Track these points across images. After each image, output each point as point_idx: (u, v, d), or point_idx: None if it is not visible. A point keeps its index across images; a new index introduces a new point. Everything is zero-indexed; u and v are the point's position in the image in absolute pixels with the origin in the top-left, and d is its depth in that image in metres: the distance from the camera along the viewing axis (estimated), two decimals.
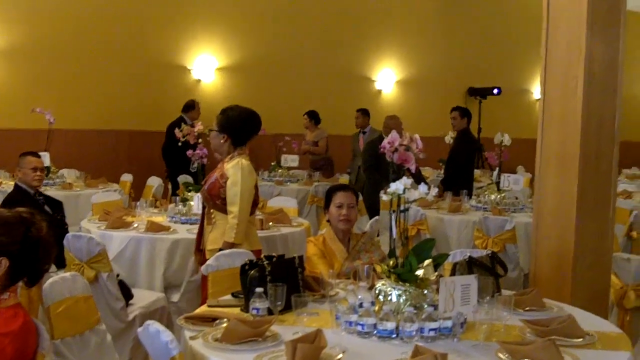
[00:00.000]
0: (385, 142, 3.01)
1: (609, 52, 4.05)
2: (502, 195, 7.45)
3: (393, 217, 3.07)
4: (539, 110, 4.21)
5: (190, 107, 9.98)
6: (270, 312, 3.09)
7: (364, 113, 10.19)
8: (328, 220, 4.53)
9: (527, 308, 3.43)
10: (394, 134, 3.00)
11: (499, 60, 14.42)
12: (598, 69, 4.00)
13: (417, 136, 3.07)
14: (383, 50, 13.43)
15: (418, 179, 8.76)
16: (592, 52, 3.97)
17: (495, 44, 14.45)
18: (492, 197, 7.47)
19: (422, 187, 3.09)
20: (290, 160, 9.83)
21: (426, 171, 11.04)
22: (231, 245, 4.41)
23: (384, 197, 3.00)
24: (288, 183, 9.59)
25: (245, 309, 3.21)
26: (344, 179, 10.16)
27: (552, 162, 4.17)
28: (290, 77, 12.31)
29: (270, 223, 5.80)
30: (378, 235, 6.26)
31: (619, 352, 2.91)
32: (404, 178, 2.94)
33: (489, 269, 3.72)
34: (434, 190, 3.12)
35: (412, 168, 3.05)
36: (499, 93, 13.77)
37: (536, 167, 4.31)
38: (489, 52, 14.34)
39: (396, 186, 2.91)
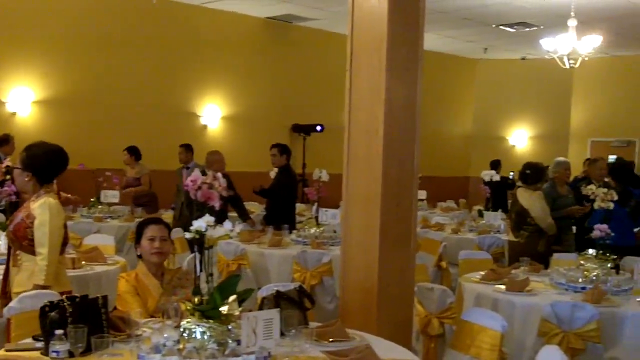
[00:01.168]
0: (188, 180, 3.05)
1: (408, 94, 4.31)
2: (321, 229, 7.68)
3: (197, 254, 3.10)
4: (344, 150, 4.40)
5: (4, 141, 9.53)
6: (71, 354, 3.02)
7: (187, 148, 10.15)
8: (139, 255, 4.46)
9: (331, 339, 3.55)
10: (196, 172, 3.05)
11: (321, 98, 14.80)
12: (397, 111, 4.24)
13: (219, 174, 3.13)
14: (208, 86, 13.48)
15: (242, 213, 8.88)
16: (392, 95, 4.20)
17: (317, 82, 14.84)
18: (312, 231, 7.68)
19: (227, 224, 3.15)
20: (111, 196, 9.60)
21: (252, 206, 11.14)
22: (42, 288, 4.24)
23: (187, 235, 3.03)
24: (108, 219, 9.34)
25: (45, 352, 3.11)
26: (168, 214, 10.04)
27: (357, 198, 4.36)
28: (112, 112, 12.04)
29: (83, 262, 5.64)
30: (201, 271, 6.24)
31: None
32: (207, 215, 2.98)
33: (296, 303, 3.82)
34: (239, 227, 3.19)
35: (217, 206, 3.10)
36: (322, 130, 14.16)
37: (343, 204, 4.49)
38: (311, 91, 14.71)
39: (199, 224, 2.95)
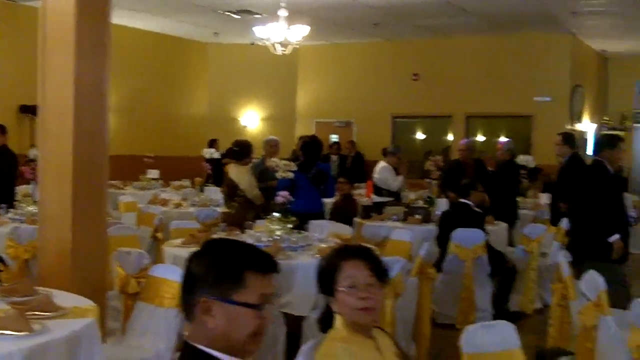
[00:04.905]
0: None
1: (96, 78, 4.80)
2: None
3: None
4: (38, 129, 4.81)
5: None
6: None
7: None
8: None
9: (21, 295, 4.00)
10: None
11: None
12: (86, 93, 4.72)
13: None
14: None
15: None
16: (81, 77, 4.67)
17: None
18: (29, 208, 7.87)
19: None
20: None
21: None
22: None
23: None
24: None
25: None
26: None
27: (52, 173, 4.76)
28: None
29: None
30: None
31: (84, 319, 3.65)
32: None
33: None
34: None
35: None
36: None
37: (39, 178, 4.89)
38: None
39: None
